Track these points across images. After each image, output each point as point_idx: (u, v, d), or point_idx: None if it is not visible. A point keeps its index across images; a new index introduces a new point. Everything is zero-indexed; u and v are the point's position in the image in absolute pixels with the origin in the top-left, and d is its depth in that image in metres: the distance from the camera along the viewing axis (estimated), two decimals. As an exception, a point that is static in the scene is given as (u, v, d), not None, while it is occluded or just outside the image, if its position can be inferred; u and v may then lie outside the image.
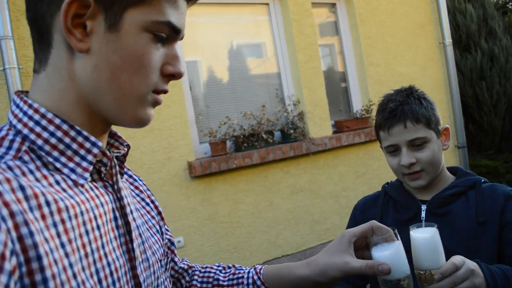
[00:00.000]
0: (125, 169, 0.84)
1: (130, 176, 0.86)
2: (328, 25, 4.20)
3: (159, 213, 0.87)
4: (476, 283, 0.97)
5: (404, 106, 1.24)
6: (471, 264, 0.99)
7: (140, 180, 0.88)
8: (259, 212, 3.45)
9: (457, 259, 0.98)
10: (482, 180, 1.26)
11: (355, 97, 4.20)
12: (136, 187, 0.85)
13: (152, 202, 0.86)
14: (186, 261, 1.01)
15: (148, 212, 0.83)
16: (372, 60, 4.15)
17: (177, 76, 0.69)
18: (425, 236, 1.00)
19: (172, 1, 0.65)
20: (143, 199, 0.84)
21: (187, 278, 0.98)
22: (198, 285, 0.97)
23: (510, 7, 7.41)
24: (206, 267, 1.00)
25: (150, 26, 0.63)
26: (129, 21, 0.62)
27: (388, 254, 0.85)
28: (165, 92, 0.69)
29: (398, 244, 0.88)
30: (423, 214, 1.25)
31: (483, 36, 5.44)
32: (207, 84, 3.56)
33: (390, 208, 1.33)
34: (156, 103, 0.69)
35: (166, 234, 0.91)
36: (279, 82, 3.82)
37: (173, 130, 3.15)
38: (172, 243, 0.93)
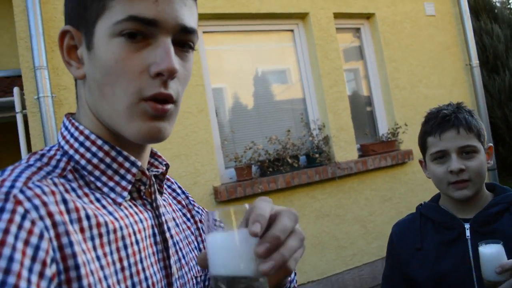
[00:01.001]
0: (170, 183, 0.85)
1: (174, 190, 0.86)
2: (352, 50, 4.21)
3: (198, 228, 0.85)
4: None
5: (457, 114, 1.26)
6: None
7: (184, 193, 0.88)
8: (285, 237, 3.42)
9: None
10: None
11: (381, 121, 4.17)
12: (179, 202, 0.84)
13: (193, 217, 0.85)
14: None
15: (189, 228, 0.82)
16: (398, 83, 4.12)
17: (165, 73, 0.59)
18: (492, 251, 1.09)
19: None
20: (184, 214, 0.84)
21: None
22: None
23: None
24: None
25: (116, 30, 0.59)
26: (99, 34, 0.61)
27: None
28: (163, 96, 0.61)
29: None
30: (467, 233, 1.21)
31: (511, 57, 5.35)
32: (233, 110, 3.60)
33: (430, 229, 1.30)
34: (154, 115, 0.61)
35: None
36: (304, 107, 3.83)
37: (199, 156, 3.19)
38: None
